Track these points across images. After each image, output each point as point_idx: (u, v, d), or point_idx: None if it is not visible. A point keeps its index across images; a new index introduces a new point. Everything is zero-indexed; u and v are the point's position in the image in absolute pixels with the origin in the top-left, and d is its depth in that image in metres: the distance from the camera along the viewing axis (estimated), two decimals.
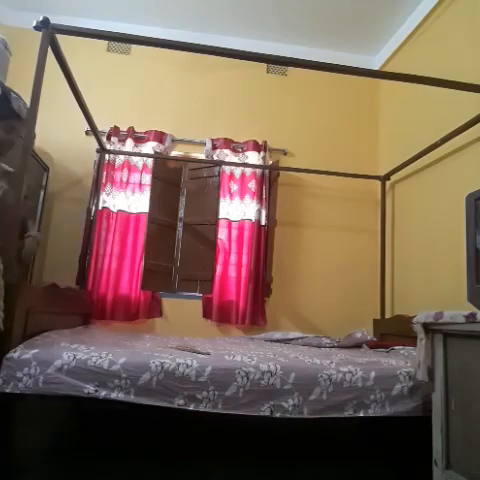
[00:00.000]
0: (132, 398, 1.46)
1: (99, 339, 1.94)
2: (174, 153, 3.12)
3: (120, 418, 1.98)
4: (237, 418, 1.51)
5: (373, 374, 1.59)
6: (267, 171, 3.03)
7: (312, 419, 1.52)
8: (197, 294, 2.87)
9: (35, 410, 1.65)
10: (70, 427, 2.00)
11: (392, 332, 2.48)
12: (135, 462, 1.74)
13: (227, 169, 3.03)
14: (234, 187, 3.02)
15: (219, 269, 2.88)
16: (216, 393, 1.50)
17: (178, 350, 1.76)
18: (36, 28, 1.65)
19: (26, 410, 1.58)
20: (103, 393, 1.44)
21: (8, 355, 1.45)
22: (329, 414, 1.53)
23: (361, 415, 1.53)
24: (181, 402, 1.48)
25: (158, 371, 1.49)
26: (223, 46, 1.88)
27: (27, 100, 1.71)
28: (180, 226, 2.99)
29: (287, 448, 1.94)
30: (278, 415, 1.51)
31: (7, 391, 1.40)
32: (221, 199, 2.95)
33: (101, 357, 1.50)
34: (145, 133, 3.01)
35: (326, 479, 1.72)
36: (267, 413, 1.51)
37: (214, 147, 3.06)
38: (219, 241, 2.90)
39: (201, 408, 1.48)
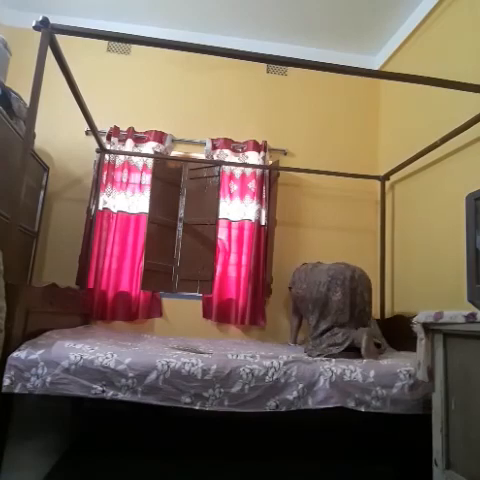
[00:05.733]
0: (139, 397, 1.46)
1: (101, 339, 1.94)
2: (174, 153, 3.11)
3: (125, 417, 1.98)
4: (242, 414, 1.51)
5: (372, 372, 1.60)
6: (267, 171, 3.03)
7: (316, 410, 1.54)
8: (197, 294, 2.87)
9: (40, 410, 1.65)
10: (75, 426, 2.00)
11: (392, 332, 2.48)
12: (138, 461, 1.74)
13: (227, 169, 3.03)
14: (234, 187, 3.02)
15: (219, 269, 2.88)
16: (222, 390, 1.51)
17: (179, 350, 1.76)
18: (35, 28, 1.65)
19: (31, 410, 1.58)
20: (110, 393, 1.45)
21: (14, 355, 1.45)
22: (332, 404, 1.55)
23: (363, 410, 1.53)
24: (188, 400, 1.49)
25: (164, 370, 1.50)
26: (223, 46, 1.87)
27: (27, 100, 1.71)
28: (180, 226, 2.99)
29: (287, 445, 1.94)
30: (284, 409, 1.53)
31: (16, 391, 1.41)
32: (221, 199, 2.94)
33: (107, 357, 1.51)
34: (145, 133, 3.01)
35: (325, 477, 1.72)
36: (272, 408, 1.52)
37: (214, 147, 3.06)
38: (219, 241, 2.90)
39: (207, 406, 1.49)
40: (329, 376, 1.58)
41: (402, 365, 1.64)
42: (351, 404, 1.54)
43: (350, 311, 2.08)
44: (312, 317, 2.17)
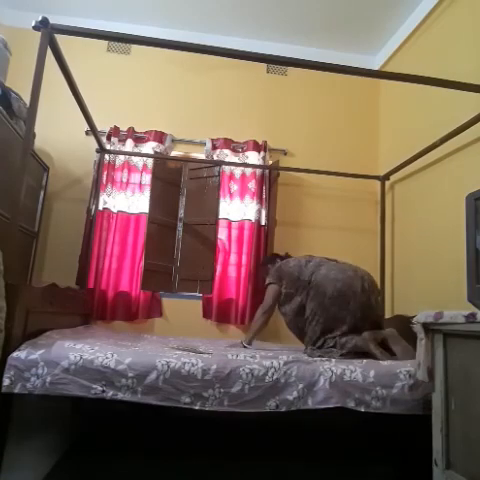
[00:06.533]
0: (139, 397, 1.46)
1: (101, 339, 1.95)
2: (174, 153, 3.12)
3: (125, 417, 1.98)
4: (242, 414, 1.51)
5: (373, 372, 1.60)
6: (267, 171, 3.03)
7: (316, 410, 1.54)
8: (197, 294, 2.87)
9: (40, 410, 1.65)
10: (75, 426, 2.00)
11: None
12: (138, 461, 1.74)
13: (227, 169, 3.03)
14: (234, 187, 3.02)
15: (219, 269, 2.88)
16: (222, 390, 1.51)
17: (179, 350, 1.76)
18: (35, 28, 1.64)
19: (31, 410, 1.58)
20: (110, 393, 1.45)
21: (15, 355, 1.45)
22: (332, 404, 1.54)
23: (362, 410, 1.53)
24: (187, 400, 1.49)
25: (164, 370, 1.50)
26: (223, 46, 1.87)
27: (27, 100, 1.71)
28: (180, 226, 3.00)
29: (287, 445, 1.94)
30: (283, 409, 1.52)
31: (15, 391, 1.41)
32: (221, 199, 2.95)
33: (107, 357, 1.50)
34: (145, 133, 3.01)
35: (325, 477, 1.72)
36: (272, 408, 1.51)
37: (214, 147, 3.06)
38: (219, 241, 2.90)
39: (207, 406, 1.49)
40: (329, 376, 1.58)
41: (402, 365, 1.64)
42: (351, 404, 1.54)
43: (362, 327, 1.98)
44: (311, 326, 2.07)
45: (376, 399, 1.54)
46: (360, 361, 1.71)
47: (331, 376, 1.58)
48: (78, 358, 1.48)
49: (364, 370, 1.60)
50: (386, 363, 1.70)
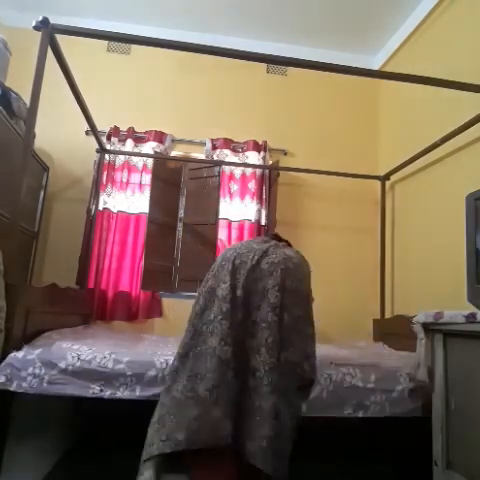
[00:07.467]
0: (137, 394, 1.46)
1: (100, 339, 1.94)
2: (174, 153, 3.11)
3: (126, 417, 1.98)
4: None
5: (373, 376, 1.58)
6: (267, 171, 3.03)
7: (311, 417, 1.52)
8: (197, 294, 2.86)
9: (41, 409, 1.65)
10: (76, 426, 2.00)
11: (392, 332, 2.48)
12: (139, 461, 1.74)
13: (227, 169, 3.03)
14: (234, 187, 3.02)
15: None
16: None
17: None
18: (36, 28, 1.64)
19: (32, 409, 1.58)
20: (108, 392, 1.45)
21: (12, 354, 1.45)
22: (329, 413, 1.52)
23: (360, 415, 1.52)
24: None
25: (163, 368, 1.50)
26: (223, 46, 1.87)
27: (27, 100, 1.71)
28: (180, 226, 2.99)
29: None
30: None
31: (11, 389, 1.40)
32: (221, 199, 2.94)
33: (105, 357, 1.50)
34: (145, 133, 3.01)
35: (326, 476, 1.73)
36: None
37: (214, 147, 3.06)
38: (219, 241, 2.90)
39: None
40: (328, 381, 1.55)
41: (403, 368, 1.63)
42: (349, 410, 1.52)
43: None
44: None
45: (375, 404, 1.53)
46: (359, 365, 1.69)
47: (330, 381, 1.55)
48: (76, 359, 1.48)
49: (364, 374, 1.59)
50: (386, 365, 1.69)
